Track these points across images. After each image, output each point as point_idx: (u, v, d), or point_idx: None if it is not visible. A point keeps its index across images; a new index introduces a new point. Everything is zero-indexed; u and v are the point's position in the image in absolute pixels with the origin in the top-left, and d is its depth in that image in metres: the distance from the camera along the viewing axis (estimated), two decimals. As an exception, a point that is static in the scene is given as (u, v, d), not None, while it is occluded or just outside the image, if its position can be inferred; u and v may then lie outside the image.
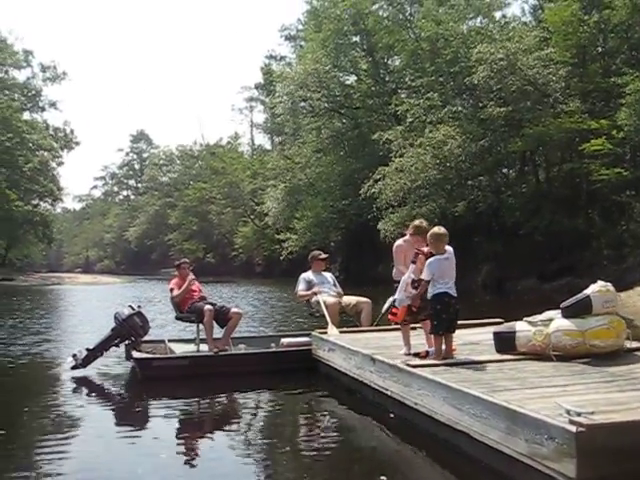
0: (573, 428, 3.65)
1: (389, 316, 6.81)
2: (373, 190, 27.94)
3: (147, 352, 8.39)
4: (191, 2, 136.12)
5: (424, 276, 6.11)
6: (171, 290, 8.79)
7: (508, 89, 24.45)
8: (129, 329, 8.25)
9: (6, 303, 22.38)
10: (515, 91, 24.47)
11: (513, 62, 23.95)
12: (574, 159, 24.45)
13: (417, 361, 6.03)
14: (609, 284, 6.19)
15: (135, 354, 8.05)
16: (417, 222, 6.92)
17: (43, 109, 56.72)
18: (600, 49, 25.42)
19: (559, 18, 24.40)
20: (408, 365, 5.83)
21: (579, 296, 6.08)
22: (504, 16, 31.82)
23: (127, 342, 8.31)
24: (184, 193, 65.86)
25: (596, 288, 6.08)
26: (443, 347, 6.13)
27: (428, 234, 6.26)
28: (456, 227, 25.95)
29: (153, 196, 77.70)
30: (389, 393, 6.00)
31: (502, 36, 25.45)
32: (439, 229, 6.27)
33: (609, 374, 5.32)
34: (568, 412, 3.81)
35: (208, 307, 8.38)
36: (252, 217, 52.83)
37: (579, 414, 3.75)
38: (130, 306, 8.53)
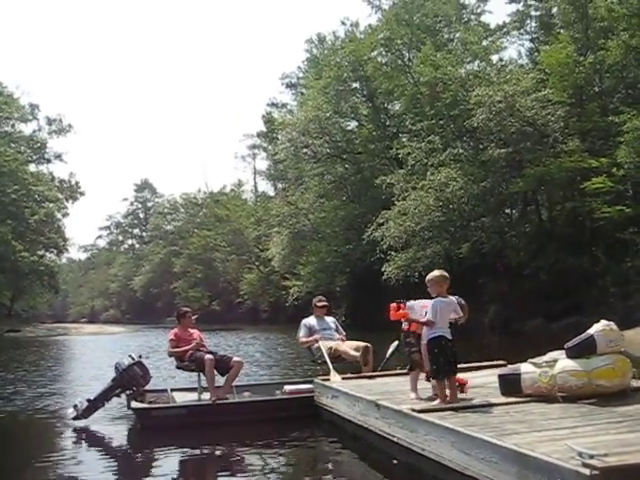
0: (587, 471, 3.60)
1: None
2: (376, 234, 28.02)
3: (150, 402, 8.37)
4: (193, 51, 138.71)
5: (429, 316, 6.13)
6: (170, 341, 8.76)
7: (508, 130, 24.70)
8: (129, 379, 8.22)
9: (12, 356, 22.29)
10: (515, 132, 24.72)
11: (511, 104, 24.22)
12: (576, 198, 24.54)
13: (423, 406, 5.97)
14: (612, 323, 6.16)
15: (133, 404, 8.04)
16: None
17: (49, 161, 57.26)
18: (597, 89, 25.72)
19: (555, 60, 24.77)
20: (414, 410, 5.77)
21: (583, 336, 6.04)
22: (501, 59, 32.32)
23: (128, 392, 8.26)
24: (189, 241, 66.08)
25: (600, 327, 6.04)
26: (447, 391, 6.09)
27: (429, 277, 6.29)
28: (461, 268, 26.06)
29: (158, 245, 77.97)
30: (395, 439, 5.92)
31: (500, 79, 25.75)
32: (440, 272, 6.34)
33: (618, 414, 5.26)
34: (580, 455, 3.75)
35: (209, 357, 8.38)
36: (257, 263, 52.89)
37: (592, 457, 3.70)
38: (130, 356, 8.51)
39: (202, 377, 8.44)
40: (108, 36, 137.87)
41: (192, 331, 8.92)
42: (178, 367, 8.86)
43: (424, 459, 5.37)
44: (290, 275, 39.84)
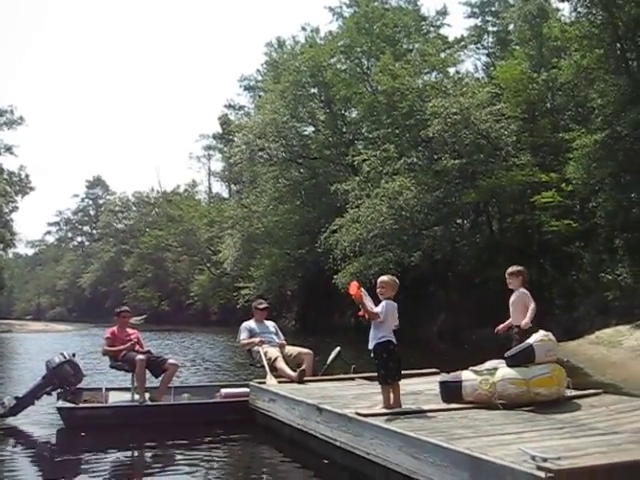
0: (542, 474, 3.69)
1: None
2: (330, 241, 28.09)
3: (85, 400, 8.20)
4: (151, 48, 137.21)
5: (378, 310, 6.13)
6: (106, 339, 8.62)
7: (462, 142, 25.01)
8: (60, 377, 8.06)
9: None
10: (469, 144, 25.04)
11: (466, 116, 24.54)
12: (526, 211, 24.97)
13: (367, 410, 5.97)
14: (550, 333, 6.30)
15: (59, 403, 7.89)
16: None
17: (-2, 154, 55.86)
18: (549, 105, 26.26)
19: (510, 75, 25.22)
20: (358, 414, 5.77)
21: (522, 345, 6.17)
22: (458, 72, 32.66)
23: (59, 390, 8.07)
24: (140, 240, 65.22)
25: (538, 337, 6.17)
26: (391, 396, 6.10)
27: (384, 278, 6.33)
28: (412, 276, 26.24)
29: (108, 242, 76.77)
30: (338, 443, 5.91)
31: (456, 91, 26.06)
32: (393, 277, 6.42)
33: (557, 421, 5.39)
34: (534, 458, 3.84)
35: (140, 357, 8.28)
36: (208, 265, 52.50)
37: (545, 460, 3.78)
38: (62, 354, 8.33)
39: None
40: (64, 27, 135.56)
41: (130, 331, 8.81)
42: (112, 366, 8.73)
43: (369, 463, 5.37)
44: (242, 278, 39.62)
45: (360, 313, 6.31)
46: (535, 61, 25.79)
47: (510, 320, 7.02)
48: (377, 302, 6.27)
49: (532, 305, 6.72)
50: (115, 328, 8.75)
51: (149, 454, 6.99)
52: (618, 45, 20.80)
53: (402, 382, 6.24)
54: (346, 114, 38.44)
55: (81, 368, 8.42)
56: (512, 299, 7.04)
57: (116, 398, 8.48)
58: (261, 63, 54.12)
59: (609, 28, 20.46)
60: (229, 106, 58.67)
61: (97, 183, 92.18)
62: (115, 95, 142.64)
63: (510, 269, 7.05)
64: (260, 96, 48.91)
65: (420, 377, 8.07)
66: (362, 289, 6.38)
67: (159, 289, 64.92)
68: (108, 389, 8.85)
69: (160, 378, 8.56)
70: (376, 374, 6.28)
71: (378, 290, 6.31)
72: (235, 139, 38.47)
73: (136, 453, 7.01)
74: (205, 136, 64.36)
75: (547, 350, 6.10)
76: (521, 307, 6.88)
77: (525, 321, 6.64)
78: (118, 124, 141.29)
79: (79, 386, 8.46)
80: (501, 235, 27.96)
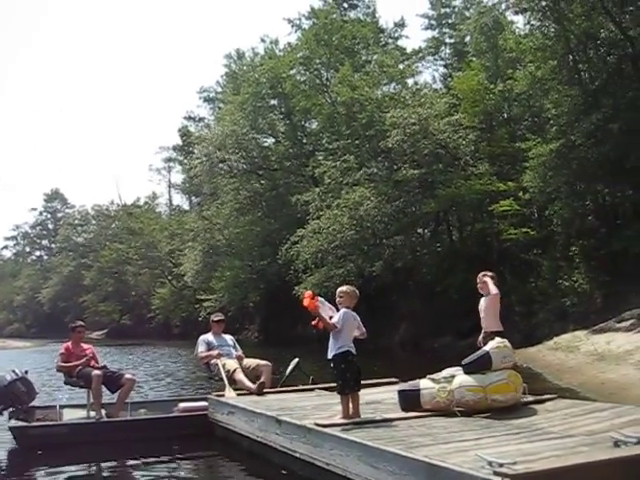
0: (499, 479, 3.74)
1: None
2: (291, 252, 28.09)
3: (38, 419, 8.01)
4: (109, 59, 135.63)
5: (335, 320, 6.14)
6: (60, 355, 8.45)
7: (421, 152, 25.23)
8: (11, 395, 7.83)
9: None
10: (428, 154, 25.27)
11: (425, 127, 24.78)
12: (485, 219, 25.30)
13: (326, 421, 5.97)
14: (506, 340, 6.38)
15: (11, 422, 7.69)
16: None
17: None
18: (505, 116, 26.67)
19: (467, 86, 25.59)
20: (318, 425, 5.76)
21: (479, 352, 6.24)
22: (416, 83, 33.00)
23: (11, 409, 7.86)
24: (100, 254, 64.33)
25: (494, 345, 6.25)
26: (350, 406, 6.10)
27: (343, 289, 6.34)
28: (374, 286, 26.36)
29: (67, 257, 75.50)
30: (297, 454, 5.90)
31: (414, 102, 26.30)
32: (349, 287, 6.44)
33: (514, 427, 5.47)
34: (490, 464, 3.89)
35: (96, 373, 8.15)
36: (169, 278, 52.02)
37: (501, 465, 3.84)
38: (13, 371, 8.11)
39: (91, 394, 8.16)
40: (23, 37, 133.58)
41: (85, 346, 8.66)
42: (66, 383, 8.57)
43: (329, 474, 5.37)
44: (203, 290, 39.34)
45: (314, 322, 6.31)
46: (491, 72, 26.18)
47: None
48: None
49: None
50: (70, 343, 8.60)
51: (107, 472, 6.87)
52: (570, 57, 21.25)
53: (361, 392, 6.26)
54: (306, 125, 38.58)
55: (34, 385, 8.22)
56: (483, 304, 7.08)
57: (71, 415, 8.32)
58: (221, 75, 54.16)
59: (561, 40, 20.92)
60: (189, 118, 58.48)
61: (55, 196, 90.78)
62: (73, 106, 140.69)
63: (483, 273, 7.12)
64: (220, 108, 48.85)
65: (379, 386, 8.10)
66: (319, 298, 6.38)
67: (120, 303, 64.09)
68: (62, 406, 8.68)
69: (117, 394, 8.42)
70: (335, 384, 6.28)
71: (337, 300, 6.34)
72: (195, 151, 38.31)
73: (94, 471, 6.87)
74: (165, 148, 63.97)
75: (503, 357, 6.18)
76: (491, 312, 6.96)
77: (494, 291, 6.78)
78: (76, 136, 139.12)
79: (32, 404, 8.24)
80: (461, 243, 28.27)
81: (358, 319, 6.30)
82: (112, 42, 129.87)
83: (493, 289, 6.97)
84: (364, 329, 6.35)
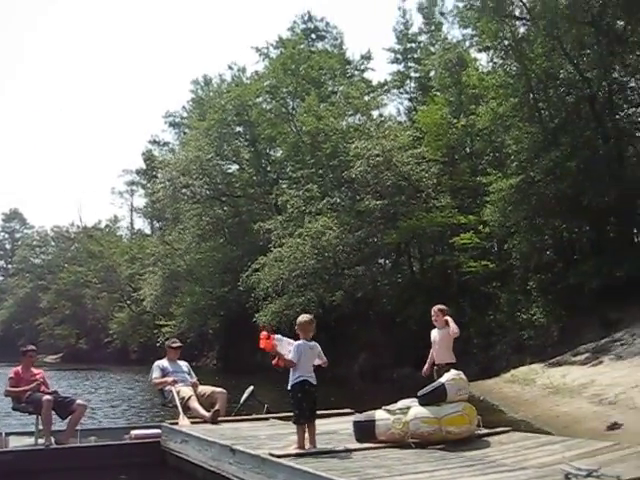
0: None
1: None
2: (252, 279, 27.98)
3: None
4: (72, 79, 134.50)
5: (291, 356, 6.16)
6: (10, 380, 8.24)
7: (384, 183, 25.45)
8: None
9: None
10: (390, 185, 25.49)
11: (388, 158, 25.04)
12: (445, 251, 25.57)
13: (281, 451, 5.92)
14: (461, 373, 6.43)
15: None
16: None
17: None
18: (468, 150, 27.10)
19: (430, 120, 26.02)
20: (272, 455, 5.71)
21: (434, 384, 6.28)
22: (381, 115, 33.41)
23: None
24: (58, 276, 63.21)
25: (450, 377, 6.29)
26: (306, 436, 6.07)
27: (298, 320, 6.37)
28: (334, 316, 26.34)
29: (24, 278, 74.03)
30: (251, 485, 5.81)
31: (379, 133, 26.59)
32: (308, 317, 6.44)
33: (467, 459, 5.48)
34: None
35: (46, 398, 7.96)
36: (128, 302, 51.25)
37: None
38: None
39: (40, 420, 7.94)
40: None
41: (35, 371, 8.45)
42: (14, 408, 8.33)
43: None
44: (163, 315, 38.85)
45: (274, 362, 6.34)
46: (455, 107, 26.68)
47: (433, 358, 7.14)
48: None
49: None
50: (20, 368, 8.37)
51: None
52: (531, 95, 21.78)
53: (317, 422, 6.22)
54: (271, 153, 38.78)
55: None
56: (436, 337, 7.14)
57: (17, 443, 8.06)
58: (187, 100, 54.08)
59: (523, 79, 21.45)
60: (153, 142, 58.22)
61: (14, 216, 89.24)
62: (34, 125, 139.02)
63: (438, 307, 7.18)
64: (185, 133, 48.81)
65: (335, 417, 8.08)
66: (276, 336, 6.40)
67: (77, 326, 62.82)
68: (8, 434, 8.43)
69: (67, 420, 8.22)
70: (291, 414, 6.26)
71: (296, 330, 6.35)
72: (158, 175, 38.08)
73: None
74: (128, 171, 63.29)
75: (458, 389, 6.22)
76: (444, 345, 7.02)
77: (456, 331, 6.80)
78: (38, 156, 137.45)
79: None
80: (422, 275, 28.47)
81: (318, 348, 6.31)
82: (78, 61, 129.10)
83: (455, 329, 7.04)
84: (325, 358, 6.36)
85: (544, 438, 6.57)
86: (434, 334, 7.24)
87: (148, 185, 52.53)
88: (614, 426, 9.41)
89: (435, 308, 7.24)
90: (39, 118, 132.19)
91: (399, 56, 37.39)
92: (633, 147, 21.81)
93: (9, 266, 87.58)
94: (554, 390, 13.68)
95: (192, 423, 7.94)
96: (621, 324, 16.71)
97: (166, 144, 57.20)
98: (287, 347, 6.36)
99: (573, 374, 14.45)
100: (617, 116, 21.28)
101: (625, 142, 21.33)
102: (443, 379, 6.27)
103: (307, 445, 6.06)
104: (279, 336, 6.53)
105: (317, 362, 6.30)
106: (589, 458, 5.10)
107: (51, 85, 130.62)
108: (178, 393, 8.39)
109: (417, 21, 43.58)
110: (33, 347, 8.83)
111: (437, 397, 6.15)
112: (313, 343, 6.28)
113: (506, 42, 21.78)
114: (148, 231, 62.83)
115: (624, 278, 17.77)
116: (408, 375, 22.58)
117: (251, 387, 8.52)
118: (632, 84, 21.70)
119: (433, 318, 7.22)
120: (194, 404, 8.32)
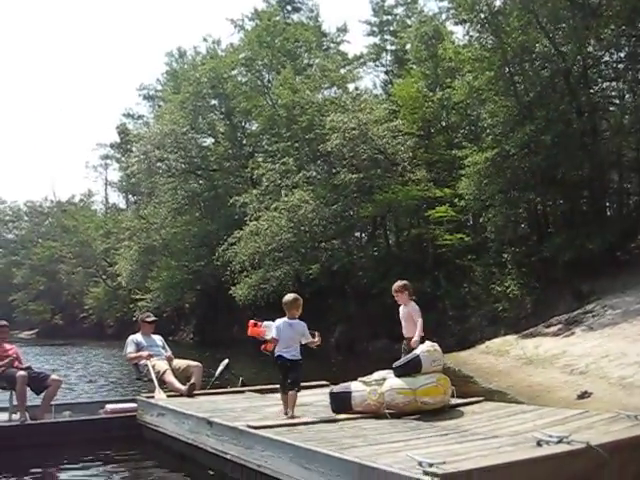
0: (428, 478, 3.82)
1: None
2: (228, 253, 27.95)
3: None
4: (45, 52, 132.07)
5: (272, 334, 6.39)
6: None
7: (360, 157, 25.43)
8: None
9: None
10: (366, 159, 25.49)
11: (364, 132, 24.97)
12: (421, 225, 25.67)
13: (258, 422, 5.99)
14: (436, 344, 6.52)
15: None
16: None
17: None
18: (443, 123, 27.12)
19: (406, 93, 25.98)
20: (250, 427, 5.77)
21: (409, 356, 6.35)
22: (357, 88, 33.15)
23: None
24: (32, 251, 62.61)
25: (425, 348, 6.37)
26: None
27: (282, 301, 6.55)
28: (310, 289, 26.40)
29: (-3, 253, 73.26)
30: (228, 456, 5.89)
31: (355, 107, 26.47)
32: (292, 296, 6.63)
33: (441, 428, 5.58)
34: (420, 464, 3.95)
35: (21, 373, 7.91)
36: (104, 277, 50.96)
37: (431, 465, 3.91)
38: None
39: (15, 395, 7.90)
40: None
41: (8, 346, 8.39)
42: None
43: (260, 475, 5.39)
44: (139, 290, 38.68)
45: (262, 347, 6.49)
46: (431, 80, 26.64)
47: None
48: None
49: (420, 321, 6.94)
50: None
51: (29, 477, 6.64)
52: (507, 69, 21.78)
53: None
54: (246, 126, 38.45)
55: None
56: (401, 313, 7.22)
57: None
58: (161, 72, 53.33)
59: (498, 52, 21.43)
60: (128, 115, 57.41)
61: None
62: (5, 98, 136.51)
63: (395, 285, 7.22)
64: (160, 106, 48.16)
65: (311, 389, 8.16)
66: (264, 323, 6.54)
67: (52, 302, 62.38)
68: None
69: (42, 395, 8.20)
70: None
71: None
72: (133, 149, 37.69)
73: (16, 477, 6.64)
74: (102, 145, 62.42)
75: (433, 360, 6.31)
76: (411, 320, 7.09)
77: (414, 339, 6.83)
78: (9, 130, 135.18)
79: None
80: (398, 248, 28.64)
81: (301, 326, 6.42)
82: (50, 32, 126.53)
83: (417, 316, 7.04)
84: (311, 337, 6.51)
85: (516, 407, 6.70)
86: (400, 310, 7.32)
87: (122, 159, 52.01)
88: (584, 395, 9.61)
89: (394, 286, 7.26)
90: (10, 91, 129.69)
91: (375, 29, 37.17)
92: (607, 121, 21.96)
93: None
94: (527, 361, 13.91)
95: (168, 397, 7.97)
96: (592, 296, 16.99)
97: (140, 117, 56.52)
98: (273, 331, 6.49)
99: (546, 345, 14.70)
100: (591, 90, 21.39)
101: (599, 116, 21.48)
102: (418, 350, 6.35)
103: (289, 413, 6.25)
104: (267, 322, 6.65)
105: (303, 341, 6.43)
106: (560, 425, 5.22)
107: (23, 57, 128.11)
108: (153, 367, 8.41)
109: (393, -7, 43.10)
110: (5, 322, 8.71)
111: (412, 368, 6.23)
112: (296, 321, 6.43)
113: (482, 15, 21.68)
114: (123, 205, 62.29)
115: (596, 251, 18.05)
116: (384, 347, 22.83)
117: (226, 360, 8.57)
118: (606, 58, 21.81)
119: (395, 296, 7.26)
120: (170, 378, 8.35)
